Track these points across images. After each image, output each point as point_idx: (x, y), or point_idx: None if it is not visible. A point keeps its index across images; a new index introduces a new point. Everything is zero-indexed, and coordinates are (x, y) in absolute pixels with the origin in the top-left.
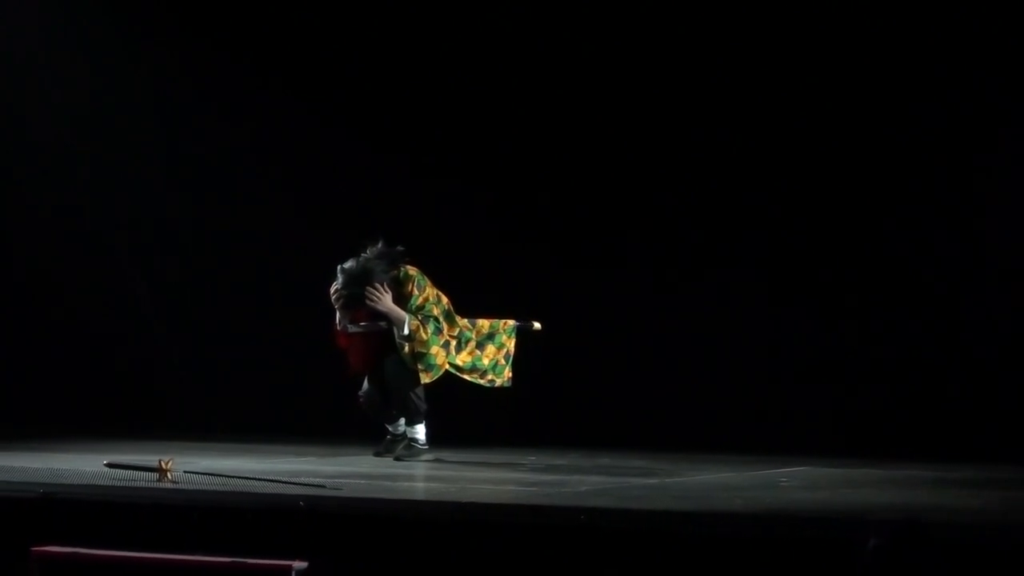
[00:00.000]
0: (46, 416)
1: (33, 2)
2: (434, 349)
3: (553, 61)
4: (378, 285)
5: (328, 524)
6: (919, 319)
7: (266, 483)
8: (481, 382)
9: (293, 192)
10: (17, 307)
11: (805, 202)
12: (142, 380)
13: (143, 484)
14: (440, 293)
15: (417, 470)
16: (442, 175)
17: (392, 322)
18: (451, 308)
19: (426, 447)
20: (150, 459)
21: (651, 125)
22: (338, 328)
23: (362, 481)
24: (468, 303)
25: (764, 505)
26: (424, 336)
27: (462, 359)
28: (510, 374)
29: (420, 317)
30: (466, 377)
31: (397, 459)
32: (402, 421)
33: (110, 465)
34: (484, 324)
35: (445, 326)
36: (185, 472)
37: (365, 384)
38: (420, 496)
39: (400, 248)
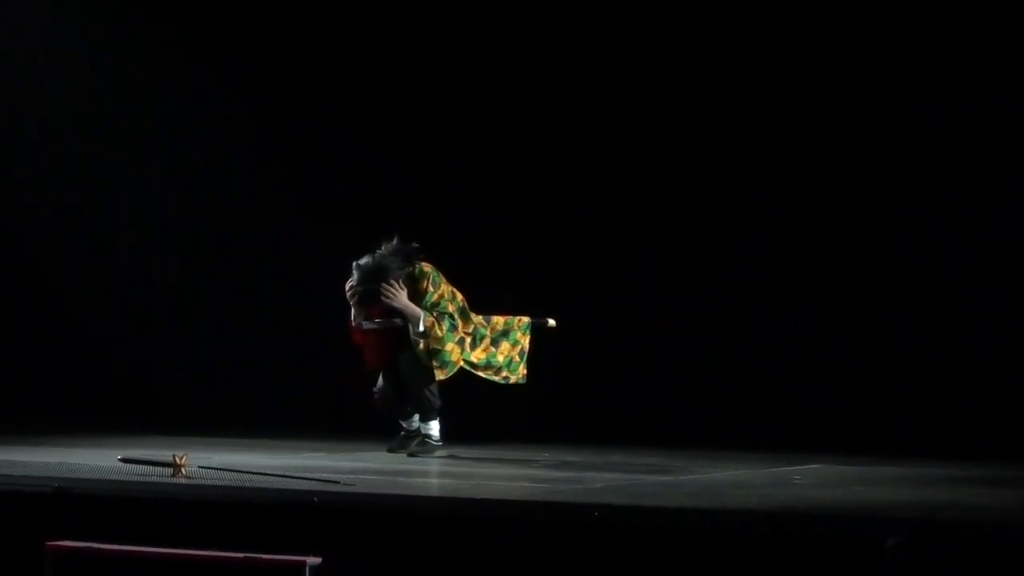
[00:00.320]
0: (46, 416)
1: (33, 2)
2: (449, 346)
3: (553, 61)
4: (393, 282)
5: (342, 520)
6: (921, 319)
7: (280, 479)
8: (496, 379)
9: (293, 192)
10: (17, 307)
11: (814, 201)
12: (142, 380)
13: (157, 479)
14: (455, 290)
15: (431, 466)
16: (443, 175)
17: (407, 319)
18: (466, 305)
19: (440, 443)
20: (163, 454)
21: (656, 125)
22: (353, 324)
23: (376, 477)
24: (479, 302)
25: (779, 503)
26: (439, 333)
27: (477, 356)
28: (525, 371)
29: (435, 314)
30: (480, 374)
31: (411, 455)
32: (416, 417)
33: (124, 460)
34: (499, 321)
35: (460, 323)
36: (199, 467)
37: (380, 380)
38: (434, 492)
39: (415, 245)
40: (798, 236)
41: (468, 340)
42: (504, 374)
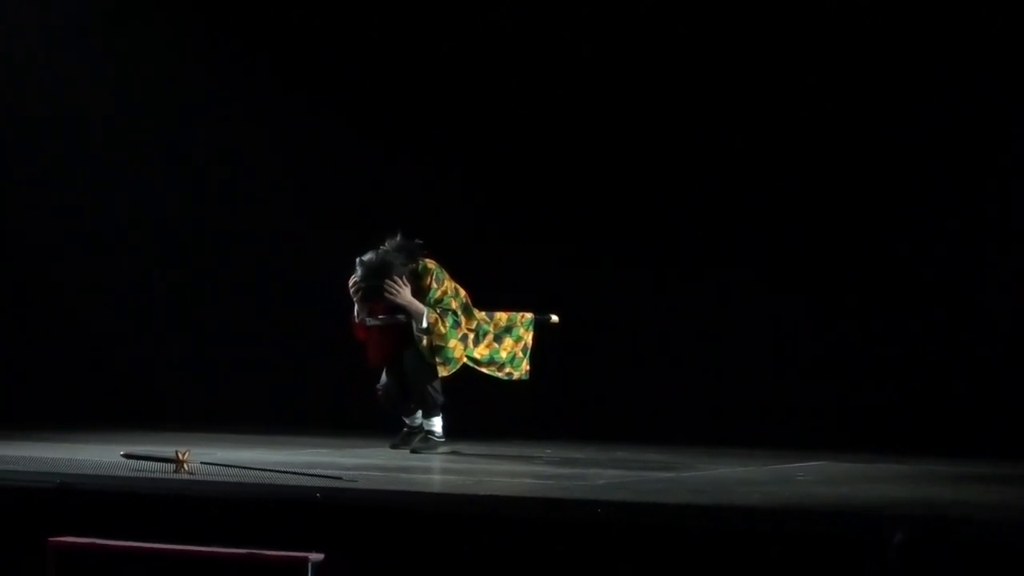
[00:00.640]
0: (46, 416)
1: (33, 2)
2: (452, 342)
3: (553, 61)
4: (397, 278)
5: (344, 516)
6: (924, 316)
7: (282, 475)
8: (499, 375)
9: (293, 192)
10: (17, 307)
11: (815, 200)
12: (143, 379)
13: (160, 475)
14: (458, 286)
15: (434, 463)
16: (444, 174)
17: (411, 315)
18: (469, 301)
19: (443, 440)
20: (166, 450)
21: (657, 125)
22: (356, 321)
23: (378, 473)
24: (481, 299)
25: (782, 499)
26: (442, 329)
27: (480, 352)
28: (528, 367)
29: (438, 310)
30: (484, 370)
31: (414, 451)
32: (419, 414)
33: (127, 456)
34: (502, 317)
35: (463, 319)
36: (202, 463)
37: (383, 377)
38: (437, 489)
39: (419, 241)
40: (799, 235)
41: (471, 336)
42: (507, 370)
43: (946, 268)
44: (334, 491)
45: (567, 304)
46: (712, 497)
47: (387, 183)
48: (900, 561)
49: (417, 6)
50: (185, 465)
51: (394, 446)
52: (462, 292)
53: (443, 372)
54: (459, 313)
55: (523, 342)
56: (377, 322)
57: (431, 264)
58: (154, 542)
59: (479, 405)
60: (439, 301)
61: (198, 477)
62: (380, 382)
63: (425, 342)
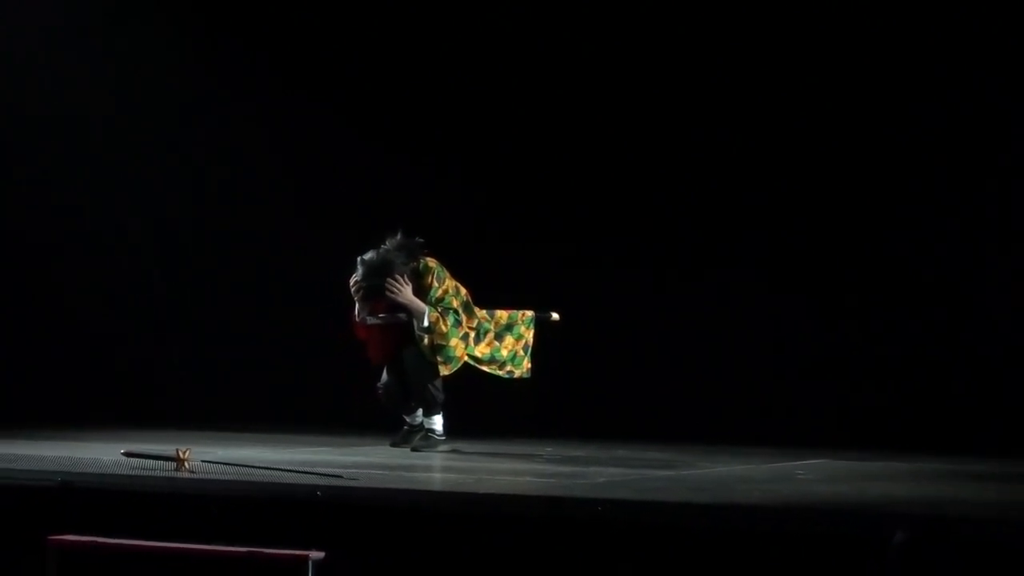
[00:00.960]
0: (47, 415)
1: (33, 2)
2: (453, 341)
3: (553, 61)
4: (398, 277)
5: (345, 514)
6: (924, 315)
7: (283, 473)
8: (500, 373)
9: (293, 192)
10: (17, 307)
11: (815, 200)
12: (143, 379)
13: (161, 473)
14: (459, 285)
15: (434, 461)
16: (444, 174)
17: (412, 314)
18: (470, 300)
19: (443, 438)
20: (167, 449)
21: (657, 125)
22: (357, 320)
23: (379, 471)
24: (482, 299)
25: (782, 498)
26: (444, 328)
27: (481, 350)
28: (529, 365)
29: (440, 309)
30: (485, 368)
31: (414, 450)
32: (420, 412)
33: (127, 454)
34: (503, 315)
35: (464, 318)
36: (202, 462)
37: (384, 376)
38: (437, 487)
39: (419, 240)
40: (799, 235)
41: (472, 335)
42: (508, 368)
43: (946, 268)
44: (335, 489)
45: (567, 303)
46: (712, 495)
47: (387, 183)
48: (900, 560)
49: (417, 6)
50: (186, 464)
51: (395, 444)
52: (463, 291)
53: (444, 371)
54: (460, 312)
55: (524, 340)
56: (378, 321)
57: (432, 263)
58: (155, 541)
59: (480, 403)
60: (440, 300)
61: (199, 476)
62: (381, 380)
63: (426, 341)
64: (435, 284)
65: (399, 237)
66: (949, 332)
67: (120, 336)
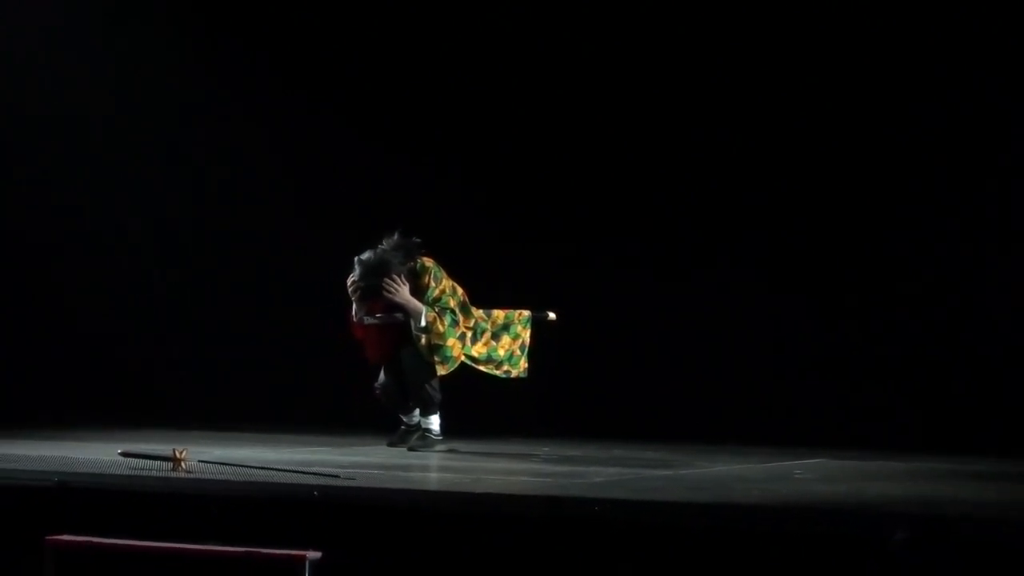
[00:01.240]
0: (47, 416)
1: (33, 2)
2: (450, 341)
3: (553, 61)
4: (395, 277)
5: (342, 514)
6: (923, 315)
7: (280, 473)
8: (497, 373)
9: (293, 191)
10: (17, 307)
11: (815, 199)
12: (142, 379)
13: (157, 474)
14: (456, 284)
15: (431, 460)
16: (444, 173)
17: (409, 314)
18: (467, 300)
19: (440, 438)
20: (163, 449)
21: (657, 125)
22: (354, 320)
23: (376, 471)
24: (480, 298)
25: (780, 497)
26: (441, 328)
27: (478, 350)
28: (526, 364)
29: (437, 309)
30: (482, 368)
31: (411, 449)
32: (417, 412)
33: (124, 454)
34: (499, 315)
35: (461, 318)
36: (199, 462)
37: (382, 376)
38: (434, 486)
39: (417, 240)
40: (799, 235)
41: (469, 335)
42: (505, 368)
43: (946, 268)
44: (332, 489)
45: (566, 303)
46: (710, 495)
47: (387, 183)
48: (900, 559)
49: (417, 6)
50: (183, 464)
51: (392, 444)
52: (460, 291)
53: (441, 371)
54: (457, 312)
55: (521, 340)
56: (375, 321)
57: (429, 263)
58: (152, 541)
59: (477, 403)
60: (437, 300)
61: (196, 476)
62: (378, 380)
63: (423, 341)
64: (432, 284)
65: (396, 237)
66: (949, 332)
67: (120, 336)
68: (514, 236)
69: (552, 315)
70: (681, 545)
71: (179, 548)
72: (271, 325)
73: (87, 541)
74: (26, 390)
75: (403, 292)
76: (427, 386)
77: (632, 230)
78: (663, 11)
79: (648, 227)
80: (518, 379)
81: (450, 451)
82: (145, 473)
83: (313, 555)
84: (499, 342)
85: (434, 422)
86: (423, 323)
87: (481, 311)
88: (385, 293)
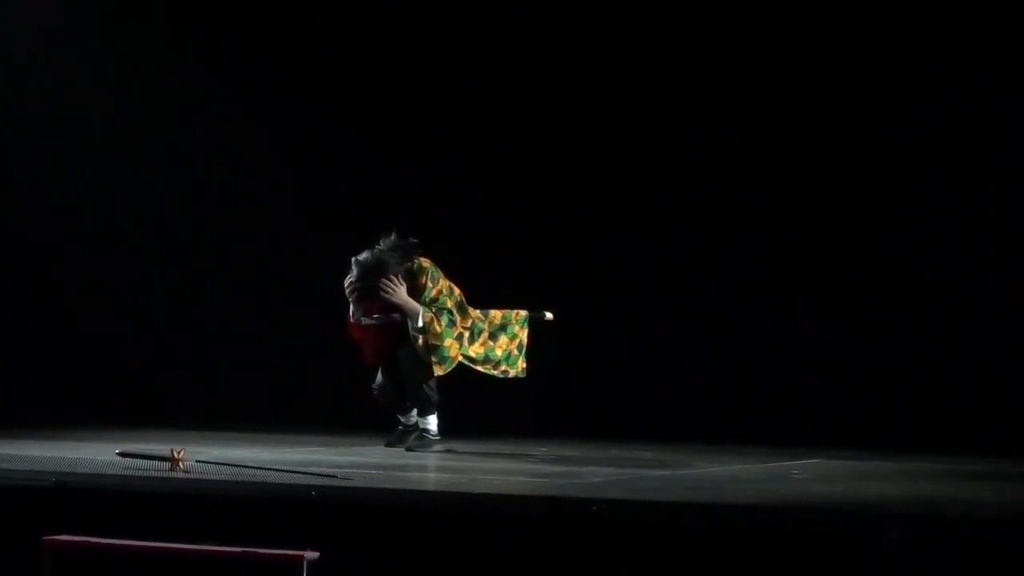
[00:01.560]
0: (47, 416)
1: (33, 2)
2: (448, 341)
3: (553, 61)
4: (393, 277)
5: (339, 514)
6: (922, 314)
7: (277, 473)
8: (495, 373)
9: (293, 191)
10: (17, 307)
11: (814, 199)
12: (141, 379)
13: (155, 474)
14: (453, 285)
15: (429, 461)
16: (443, 173)
17: (406, 314)
18: (464, 300)
19: (438, 438)
20: (161, 449)
21: (658, 124)
22: (352, 320)
23: (374, 471)
24: (479, 298)
25: (778, 497)
26: (438, 328)
27: (475, 350)
28: (524, 364)
29: (434, 309)
30: (479, 368)
31: (409, 450)
32: (414, 412)
33: (122, 454)
34: (496, 315)
35: (458, 318)
36: (197, 462)
37: (379, 376)
38: (431, 487)
39: (414, 240)
40: (798, 233)
41: (466, 335)
42: (503, 368)
43: (946, 268)
44: (329, 489)
45: (565, 303)
46: (707, 495)
47: (387, 183)
48: (896, 558)
49: (417, 6)
50: (180, 464)
51: (389, 444)
52: (456, 291)
53: (439, 371)
54: (454, 312)
55: (518, 340)
56: (373, 321)
57: (426, 263)
58: (149, 541)
59: (474, 403)
60: (435, 300)
61: (193, 476)
62: (376, 381)
63: (421, 341)
64: (429, 284)
65: (393, 237)
66: (949, 332)
67: (120, 336)
68: (514, 236)
69: (549, 315)
70: (679, 545)
71: (177, 548)
72: (270, 325)
73: (85, 541)
74: (26, 390)
75: (400, 292)
76: (424, 386)
77: (631, 230)
78: (663, 11)
79: (648, 227)
80: (516, 379)
81: (448, 451)
82: (143, 473)
83: (311, 555)
84: (496, 342)
85: (432, 422)
86: (420, 323)
87: (478, 311)
88: (382, 293)
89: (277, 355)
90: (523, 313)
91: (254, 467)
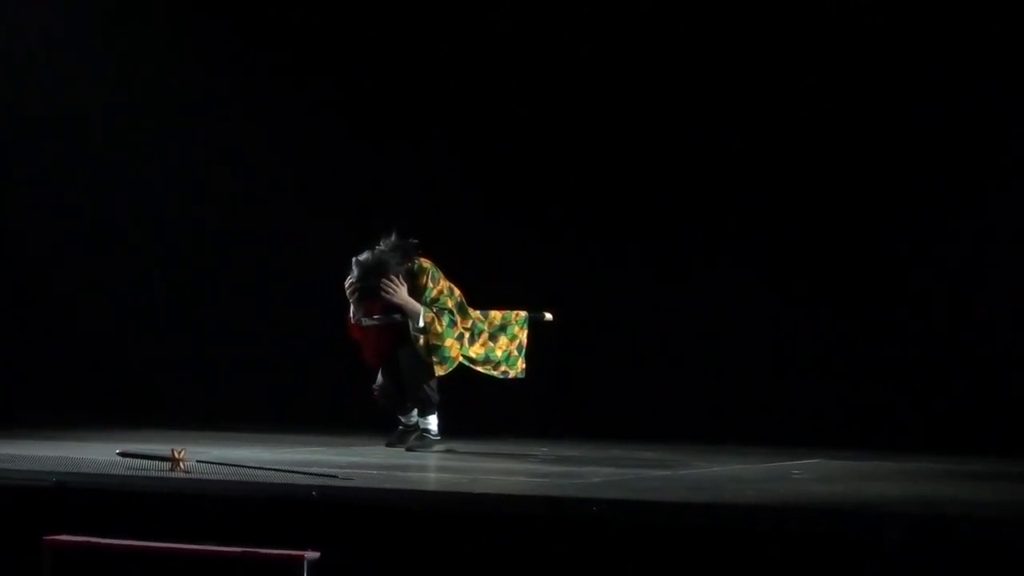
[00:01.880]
0: (47, 416)
1: (33, 2)
2: (448, 341)
3: (553, 60)
4: (393, 277)
5: (340, 514)
6: (922, 314)
7: (278, 473)
8: (495, 373)
9: (293, 191)
10: (17, 306)
11: (814, 199)
12: (141, 379)
13: (156, 474)
14: (453, 285)
15: (429, 461)
16: (444, 172)
17: (407, 314)
18: (464, 300)
19: (438, 438)
20: (162, 449)
21: (658, 124)
22: (352, 321)
23: (374, 471)
24: (479, 298)
25: (778, 497)
26: (439, 328)
27: (475, 351)
28: (523, 365)
29: (435, 309)
30: (479, 369)
31: (409, 450)
32: (415, 412)
33: (123, 454)
34: (496, 316)
35: (459, 318)
36: (198, 462)
37: (379, 377)
38: (432, 487)
39: (414, 240)
40: (798, 233)
41: (467, 335)
42: (503, 368)
43: (946, 268)
44: (330, 489)
45: (565, 303)
46: (708, 495)
47: (387, 183)
48: (895, 558)
49: (417, 5)
50: (181, 464)
51: (390, 444)
52: (457, 291)
53: (440, 371)
54: (455, 312)
55: (518, 340)
56: (373, 322)
57: (426, 263)
58: (150, 541)
59: (475, 403)
60: (435, 300)
61: (194, 476)
62: (376, 382)
63: (422, 341)
64: (430, 284)
65: (393, 238)
66: (949, 332)
67: (120, 336)
68: (514, 236)
69: (549, 315)
70: (680, 545)
71: (177, 548)
72: (271, 325)
73: (85, 541)
74: (26, 390)
75: (401, 293)
76: (425, 386)
77: (631, 230)
78: (663, 11)
79: (648, 227)
80: (516, 379)
81: (448, 451)
82: (143, 473)
83: (311, 555)
84: (496, 343)
85: (432, 422)
86: (421, 323)
87: (478, 312)
88: (383, 294)
89: (277, 355)
90: (523, 314)
91: (255, 467)
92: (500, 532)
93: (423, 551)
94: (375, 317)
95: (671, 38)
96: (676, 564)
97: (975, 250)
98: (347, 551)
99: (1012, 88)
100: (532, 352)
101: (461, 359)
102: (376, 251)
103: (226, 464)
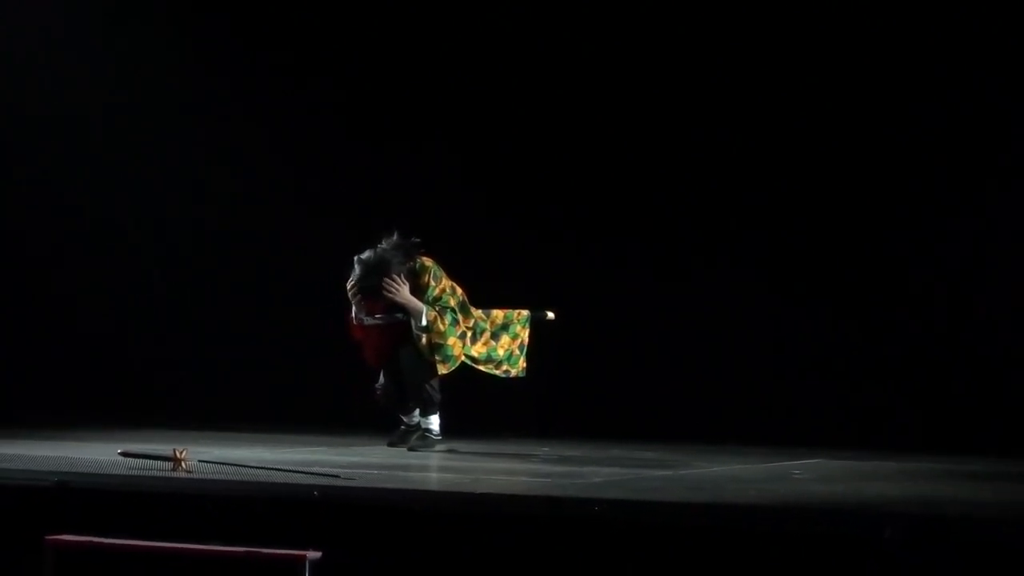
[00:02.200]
0: (46, 415)
1: (33, 2)
2: (451, 340)
3: (553, 60)
4: (396, 276)
5: (342, 514)
6: (922, 314)
7: (280, 473)
8: (496, 372)
9: (293, 190)
10: (17, 306)
11: (815, 198)
12: (142, 379)
13: (157, 473)
14: (455, 284)
15: (431, 460)
16: (444, 172)
17: (410, 314)
18: (466, 299)
19: (440, 438)
20: (164, 448)
21: (658, 124)
22: (354, 321)
23: (376, 471)
24: (480, 297)
25: (779, 497)
26: (442, 327)
27: (477, 350)
28: (525, 364)
29: (437, 308)
30: (481, 368)
31: (411, 449)
32: (417, 412)
33: (124, 454)
34: (498, 315)
35: (461, 317)
36: (199, 462)
37: (381, 377)
38: (434, 486)
39: (416, 239)
40: (798, 233)
41: (469, 334)
42: (504, 368)
43: (946, 268)
44: (331, 489)
45: (565, 302)
46: (708, 495)
47: (388, 183)
48: (899, 559)
49: (417, 5)
50: (182, 463)
51: (391, 444)
52: (459, 290)
53: (442, 370)
54: (457, 311)
55: (520, 339)
56: (376, 321)
57: (428, 262)
58: (152, 540)
59: (476, 403)
60: (438, 299)
61: (195, 476)
62: (378, 382)
63: (424, 340)
64: (432, 283)
65: (395, 237)
66: (949, 332)
67: (120, 336)
68: (514, 236)
69: (551, 315)
70: (680, 545)
71: (179, 548)
72: (271, 325)
73: (87, 541)
74: (26, 390)
75: (403, 292)
76: (427, 386)
77: (632, 230)
78: (663, 11)
79: (648, 227)
80: (517, 379)
81: (450, 451)
82: (145, 473)
83: (313, 555)
84: (498, 342)
85: (434, 422)
86: (424, 322)
87: (480, 311)
88: (385, 293)
89: (277, 355)
90: (525, 313)
91: (256, 467)
92: (502, 532)
93: (425, 551)
94: (377, 316)
95: (671, 38)
96: (676, 564)
97: (975, 250)
98: (349, 551)
99: (1012, 88)
100: (533, 352)
101: (463, 358)
102: (378, 250)
103: (228, 464)
